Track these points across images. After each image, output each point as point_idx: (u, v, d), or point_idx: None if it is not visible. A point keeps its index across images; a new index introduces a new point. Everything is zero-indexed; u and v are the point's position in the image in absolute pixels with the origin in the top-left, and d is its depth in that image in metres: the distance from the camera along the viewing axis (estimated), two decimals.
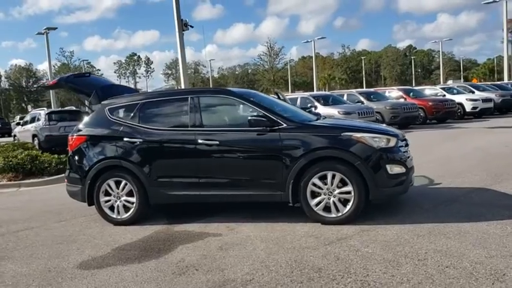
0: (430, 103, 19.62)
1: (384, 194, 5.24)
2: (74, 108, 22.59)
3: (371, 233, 4.86)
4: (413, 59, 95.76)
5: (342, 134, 5.28)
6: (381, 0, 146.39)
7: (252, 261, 4.31)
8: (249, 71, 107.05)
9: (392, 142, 5.34)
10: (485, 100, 21.82)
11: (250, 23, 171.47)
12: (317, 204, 5.28)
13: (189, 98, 5.85)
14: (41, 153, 11.23)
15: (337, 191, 5.21)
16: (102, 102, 6.29)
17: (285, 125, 5.42)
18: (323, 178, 5.26)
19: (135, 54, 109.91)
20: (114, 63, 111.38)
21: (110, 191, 5.99)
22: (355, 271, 3.89)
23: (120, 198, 5.96)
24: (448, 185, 6.93)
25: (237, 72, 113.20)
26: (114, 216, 6.00)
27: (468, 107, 21.45)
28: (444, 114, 19.82)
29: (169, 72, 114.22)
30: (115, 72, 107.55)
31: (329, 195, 5.24)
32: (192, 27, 17.79)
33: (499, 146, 10.94)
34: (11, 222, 6.69)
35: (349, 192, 5.18)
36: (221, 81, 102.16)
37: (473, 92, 23.47)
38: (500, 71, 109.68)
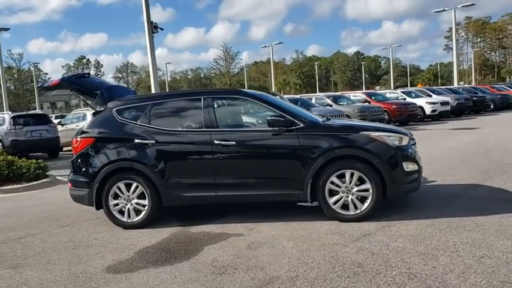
0: (394, 106, 20.35)
1: (401, 191, 5.43)
2: (39, 111, 21.84)
3: (392, 229, 5.03)
4: (362, 65, 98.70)
5: (359, 133, 5.43)
6: (329, 7, 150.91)
7: (288, 259, 4.36)
8: (202, 75, 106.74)
9: (405, 141, 5.55)
10: (443, 103, 22.91)
11: (202, 27, 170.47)
12: (335, 202, 5.40)
13: (202, 99, 5.83)
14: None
15: (355, 189, 5.35)
16: (109, 104, 6.14)
17: (302, 125, 5.51)
18: (341, 176, 5.39)
19: (84, 57, 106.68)
20: (63, 66, 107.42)
21: (120, 194, 5.85)
22: (396, 264, 4.02)
23: (130, 201, 5.83)
24: (443, 183, 7.25)
25: (189, 76, 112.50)
26: (125, 219, 5.86)
27: (428, 109, 22.44)
28: (407, 117, 20.60)
29: (120, 75, 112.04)
30: (63, 75, 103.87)
31: (347, 193, 5.37)
32: (161, 29, 17.58)
33: (471, 145, 11.54)
34: (8, 230, 6.38)
35: (367, 190, 5.33)
36: (174, 85, 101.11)
37: (430, 96, 24.61)
38: (442, 76, 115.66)
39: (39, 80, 65.08)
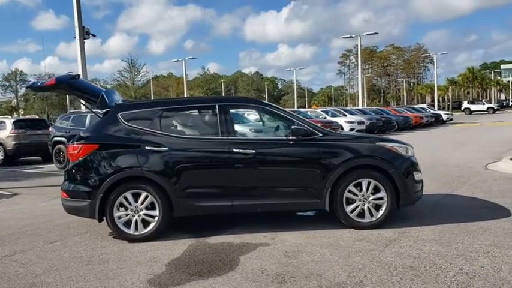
0: (320, 124, 21.21)
1: (411, 200, 5.75)
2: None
3: (412, 234, 5.31)
4: (266, 85, 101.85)
5: (376, 144, 5.69)
6: (229, 27, 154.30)
7: (337, 266, 4.40)
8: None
9: (411, 151, 5.92)
10: (359, 122, 24.55)
11: (97, 38, 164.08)
12: (352, 210, 5.57)
13: (216, 106, 5.69)
14: None
15: (371, 197, 5.57)
16: (112, 108, 5.74)
17: (320, 135, 5.63)
18: (357, 185, 5.58)
19: None
20: None
21: (126, 205, 5.46)
22: (445, 266, 4.26)
23: (138, 213, 5.46)
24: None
25: None
26: (131, 232, 5.47)
27: (346, 128, 23.81)
28: None
29: (7, 84, 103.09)
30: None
31: (363, 201, 5.57)
32: (94, 36, 16.73)
33: None
34: None
35: (381, 198, 5.57)
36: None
37: (345, 115, 26.21)
38: (335, 98, 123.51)
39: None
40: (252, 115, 6.13)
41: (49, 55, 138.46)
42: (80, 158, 5.52)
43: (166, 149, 5.48)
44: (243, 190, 5.54)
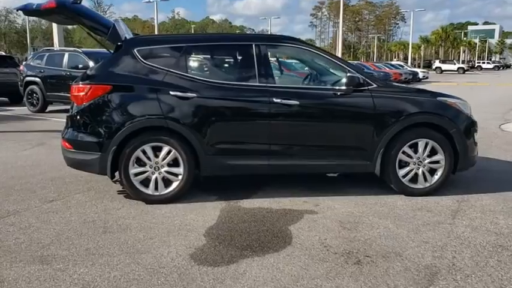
0: None
1: (470, 163, 5.08)
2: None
3: (475, 203, 4.71)
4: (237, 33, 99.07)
5: (438, 99, 4.93)
6: None
7: (413, 242, 3.72)
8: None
9: (470, 108, 5.21)
10: None
11: None
12: (404, 175, 4.87)
13: (253, 46, 4.73)
14: None
15: (427, 160, 4.87)
16: (127, 42, 4.71)
17: (375, 85, 4.81)
18: (411, 146, 4.86)
19: None
20: None
21: (145, 160, 4.57)
22: None
23: (159, 170, 4.59)
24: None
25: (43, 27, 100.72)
26: (150, 192, 4.61)
27: None
28: None
29: None
30: None
31: (418, 164, 4.87)
32: None
33: None
34: None
35: (437, 162, 4.89)
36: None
37: None
38: None
39: None
40: (304, 59, 5.15)
41: None
42: (88, 102, 4.52)
43: (194, 95, 4.54)
44: (283, 148, 4.73)
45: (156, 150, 4.57)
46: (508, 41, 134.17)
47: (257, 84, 4.66)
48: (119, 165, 4.52)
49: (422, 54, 79.36)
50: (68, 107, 5.02)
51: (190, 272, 3.18)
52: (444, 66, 60.94)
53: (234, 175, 5.18)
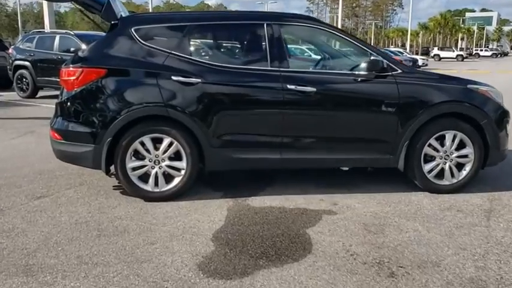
0: None
1: (501, 157, 4.62)
2: None
3: (507, 202, 4.27)
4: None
5: (468, 86, 4.46)
6: None
7: (450, 250, 3.29)
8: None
9: (502, 97, 4.75)
10: None
11: None
12: (430, 170, 4.42)
13: (265, 25, 4.23)
14: None
15: (455, 154, 4.42)
16: (122, 21, 4.20)
17: (399, 71, 4.33)
18: (438, 139, 4.40)
19: None
20: None
21: (144, 153, 4.08)
22: None
23: (159, 163, 4.11)
24: None
25: (35, 11, 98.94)
26: (149, 188, 4.13)
27: None
28: None
29: None
30: None
31: (445, 159, 4.42)
32: None
33: None
34: None
35: (466, 156, 4.44)
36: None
37: None
38: None
39: None
40: (322, 40, 4.64)
41: None
42: (79, 87, 4.01)
43: (199, 81, 4.05)
44: (297, 140, 4.26)
45: (156, 142, 4.09)
46: (506, 28, 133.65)
47: (269, 68, 4.16)
48: (115, 158, 4.05)
49: (420, 41, 78.66)
50: None
51: (199, 287, 2.73)
52: (443, 54, 60.32)
53: (250, 171, 4.71)
